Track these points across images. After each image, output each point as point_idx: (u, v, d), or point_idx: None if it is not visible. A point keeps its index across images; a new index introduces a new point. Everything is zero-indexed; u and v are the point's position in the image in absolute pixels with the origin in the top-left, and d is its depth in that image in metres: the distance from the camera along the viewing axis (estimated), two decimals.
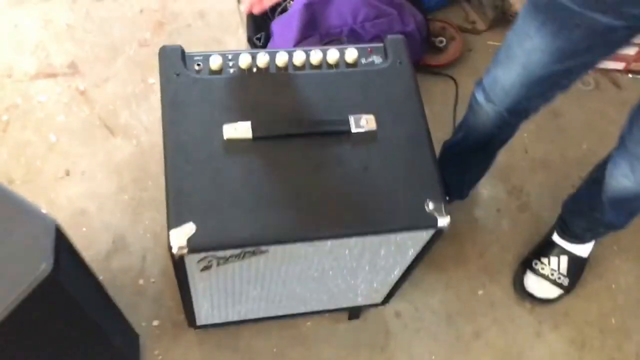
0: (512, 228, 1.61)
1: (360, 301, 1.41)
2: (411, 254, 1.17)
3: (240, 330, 1.41)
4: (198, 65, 1.12)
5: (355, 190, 1.04)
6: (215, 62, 1.11)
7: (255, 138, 1.05)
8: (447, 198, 1.55)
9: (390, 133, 1.08)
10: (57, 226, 0.91)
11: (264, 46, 1.65)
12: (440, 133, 1.70)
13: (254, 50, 1.14)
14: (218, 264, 1.06)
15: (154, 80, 1.67)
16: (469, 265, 1.55)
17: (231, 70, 1.12)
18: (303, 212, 1.01)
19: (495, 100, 1.22)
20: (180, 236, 0.97)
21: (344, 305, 1.43)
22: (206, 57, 1.12)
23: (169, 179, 1.01)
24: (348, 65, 1.15)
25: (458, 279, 1.53)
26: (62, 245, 0.91)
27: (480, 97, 1.26)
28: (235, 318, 1.38)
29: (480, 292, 1.52)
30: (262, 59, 1.12)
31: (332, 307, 1.41)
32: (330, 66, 1.15)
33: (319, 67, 1.14)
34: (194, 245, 0.97)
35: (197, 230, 0.97)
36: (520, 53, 1.11)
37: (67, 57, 1.67)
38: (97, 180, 1.53)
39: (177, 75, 1.09)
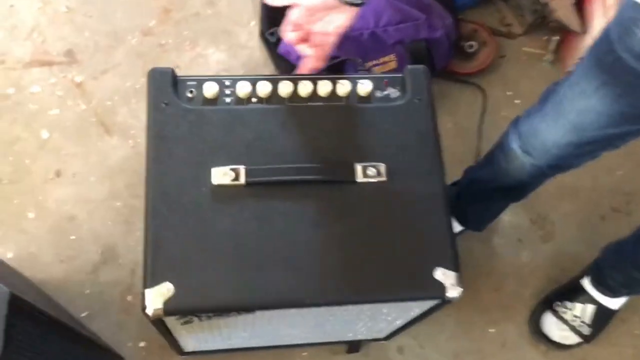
0: (533, 260, 1.49)
1: (360, 336, 1.31)
2: (415, 312, 1.06)
3: (231, 357, 1.33)
4: (191, 92, 0.99)
5: (356, 250, 0.93)
6: (210, 90, 0.98)
7: (248, 184, 0.93)
8: (463, 228, 1.43)
9: (402, 186, 0.96)
10: (11, 296, 0.80)
11: (277, 44, 1.51)
12: (463, 149, 1.57)
13: (255, 76, 1.01)
14: (200, 320, 0.97)
15: None
16: (482, 298, 1.44)
17: (228, 100, 0.99)
18: (296, 274, 0.90)
19: (533, 154, 1.08)
20: (156, 297, 0.87)
21: (343, 339, 1.34)
22: (200, 83, 1.00)
23: (148, 229, 0.91)
24: (360, 98, 1.02)
25: (469, 313, 1.42)
26: (18, 318, 0.81)
27: (514, 144, 1.12)
28: (226, 347, 1.29)
29: (491, 330, 1.42)
30: (263, 88, 0.99)
31: (330, 340, 1.32)
32: (339, 98, 1.02)
33: (327, 98, 1.01)
34: (170, 308, 0.87)
35: (175, 292, 0.87)
36: (571, 110, 0.97)
37: (65, 44, 1.55)
38: (88, 183, 1.43)
39: (166, 104, 0.97)
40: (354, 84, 1.02)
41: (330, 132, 0.98)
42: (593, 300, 1.37)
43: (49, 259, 1.37)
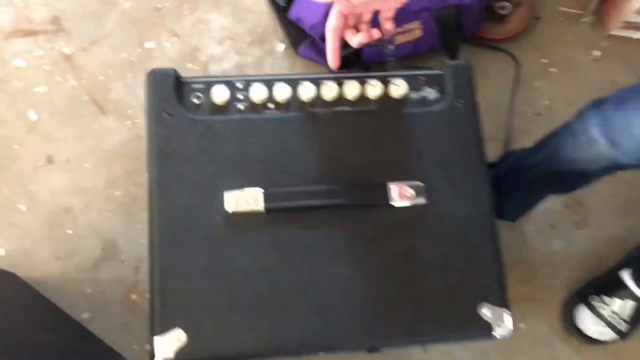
0: (566, 248, 1.38)
1: None
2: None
3: None
4: (197, 97, 0.85)
5: (390, 286, 0.82)
6: (219, 96, 0.85)
7: (267, 210, 0.81)
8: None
9: (443, 208, 0.84)
10: None
11: (287, 6, 1.35)
12: (493, 125, 1.43)
13: (270, 76, 0.87)
14: None
15: (154, 44, 1.38)
16: (510, 291, 1.33)
17: (240, 106, 0.86)
18: (323, 315, 0.80)
19: (621, 148, 0.92)
20: (166, 346, 0.77)
21: None
22: (208, 86, 0.86)
23: (154, 266, 0.79)
24: (393, 102, 0.88)
25: None
26: None
27: (595, 131, 0.94)
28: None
29: (521, 325, 1.32)
30: (281, 92, 0.85)
31: None
32: (369, 102, 0.88)
33: (356, 102, 0.88)
34: (182, 358, 0.77)
35: (187, 340, 0.77)
36: None
37: (50, 10, 1.38)
38: (83, 170, 1.30)
39: (169, 115, 0.83)
40: (386, 85, 0.88)
41: (360, 144, 0.85)
42: (634, 297, 1.27)
43: (45, 255, 1.26)
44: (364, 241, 0.82)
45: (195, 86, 0.86)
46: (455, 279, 0.81)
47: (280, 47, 1.40)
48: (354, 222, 0.82)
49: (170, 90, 0.84)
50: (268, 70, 1.38)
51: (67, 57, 1.36)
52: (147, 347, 1.22)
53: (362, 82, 0.87)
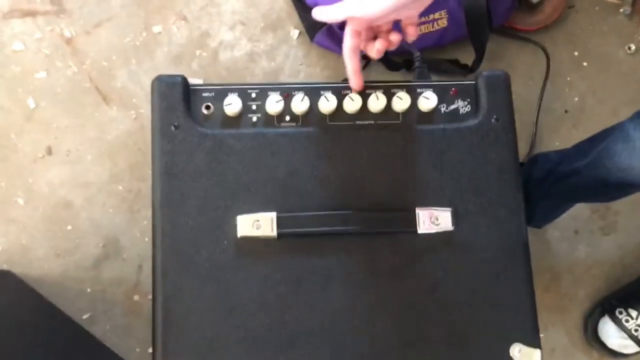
0: (591, 255, 1.31)
1: None
2: None
3: None
4: (207, 107, 0.78)
5: (414, 321, 0.75)
6: (231, 107, 0.77)
7: (280, 236, 0.74)
8: None
9: (473, 237, 0.77)
10: None
11: None
12: (519, 122, 1.33)
13: (288, 84, 0.79)
14: None
15: (160, 28, 1.29)
16: None
17: (254, 118, 0.78)
18: (340, 353, 0.73)
19: None
20: None
21: None
22: (220, 94, 0.78)
23: (157, 296, 0.73)
24: (421, 115, 0.80)
25: None
26: None
27: None
28: None
29: (541, 335, 1.26)
30: (299, 103, 0.77)
31: None
32: (395, 115, 0.80)
33: (380, 115, 0.80)
34: None
35: None
36: None
37: None
38: (85, 163, 1.23)
39: (176, 127, 0.76)
40: (415, 98, 0.80)
41: (384, 163, 0.78)
42: None
43: (43, 252, 1.20)
44: (384, 272, 0.75)
45: (205, 94, 0.78)
46: (485, 316, 0.75)
47: (295, 33, 1.31)
48: (374, 250, 0.75)
49: (178, 100, 0.76)
50: (281, 58, 1.30)
51: (68, 41, 1.28)
52: (150, 350, 1.17)
53: (389, 94, 0.79)
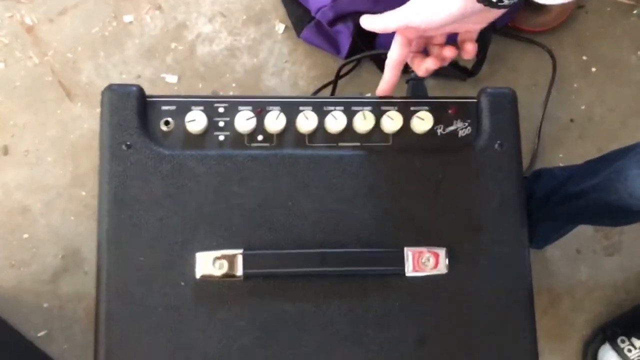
0: (592, 277, 1.22)
1: None
2: None
3: None
4: (166, 123, 0.67)
5: None
6: (195, 123, 0.66)
7: (247, 277, 0.64)
8: None
9: (469, 281, 0.67)
10: None
11: None
12: (522, 131, 1.24)
13: (261, 98, 0.68)
14: None
15: (132, 17, 1.18)
16: None
17: (221, 137, 0.68)
18: None
19: None
20: None
21: None
22: (182, 108, 0.67)
23: (99, 342, 0.63)
24: (413, 137, 0.70)
25: None
26: None
27: None
28: None
29: None
30: (274, 122, 0.67)
31: None
32: (385, 136, 0.70)
33: (367, 136, 0.69)
34: None
35: None
36: None
37: None
38: (45, 164, 1.12)
39: (128, 146, 0.65)
40: (408, 118, 0.69)
41: (369, 193, 0.68)
42: None
43: None
44: (367, 321, 0.65)
45: (165, 107, 0.67)
46: None
47: (280, 27, 1.20)
48: (355, 295, 0.65)
49: (132, 115, 0.65)
50: (265, 54, 1.19)
51: (29, 29, 1.16)
52: None
53: (378, 111, 0.69)
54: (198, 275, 0.63)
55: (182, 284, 0.63)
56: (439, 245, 0.66)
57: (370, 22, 0.72)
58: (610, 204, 0.91)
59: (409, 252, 0.65)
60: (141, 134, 0.65)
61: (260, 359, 0.63)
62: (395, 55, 0.69)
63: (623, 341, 1.16)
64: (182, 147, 0.66)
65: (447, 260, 0.66)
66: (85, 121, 1.14)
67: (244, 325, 0.63)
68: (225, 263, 0.63)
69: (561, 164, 1.21)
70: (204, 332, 0.63)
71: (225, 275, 0.63)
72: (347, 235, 0.66)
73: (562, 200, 1.02)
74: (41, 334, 1.09)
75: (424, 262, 0.65)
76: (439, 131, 0.70)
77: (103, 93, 0.66)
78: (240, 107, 0.68)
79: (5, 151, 1.12)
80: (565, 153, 1.24)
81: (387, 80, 0.70)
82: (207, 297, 0.63)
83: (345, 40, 1.14)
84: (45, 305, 1.10)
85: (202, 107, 0.67)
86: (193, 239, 0.64)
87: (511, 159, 0.69)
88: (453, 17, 0.65)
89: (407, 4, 0.66)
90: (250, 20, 1.20)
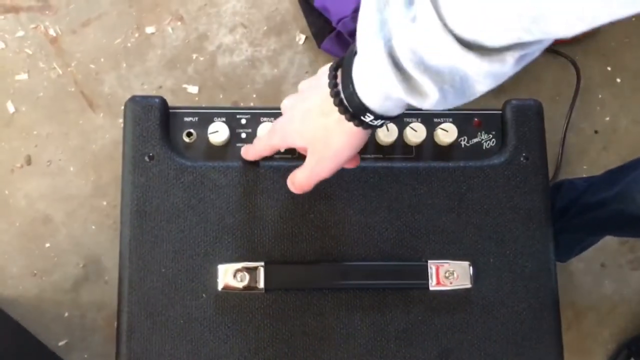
0: (617, 292, 1.20)
1: None
2: None
3: None
4: (189, 135, 0.67)
5: None
6: (218, 135, 0.66)
7: (268, 290, 0.63)
8: None
9: (494, 295, 0.66)
10: None
11: None
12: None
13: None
14: None
15: (154, 29, 1.18)
16: None
17: (243, 149, 0.67)
18: None
19: None
20: None
21: None
22: (204, 120, 0.67)
23: (120, 355, 0.62)
24: (437, 149, 0.69)
25: None
26: None
27: None
28: None
29: None
30: None
31: None
32: (408, 149, 0.69)
33: (389, 149, 0.69)
34: None
35: None
36: None
37: None
38: (67, 175, 1.13)
39: (151, 158, 0.65)
40: (432, 130, 0.69)
41: (392, 206, 0.67)
42: None
43: (18, 271, 1.10)
44: (390, 335, 0.64)
45: (187, 119, 0.67)
46: None
47: (301, 38, 1.20)
48: (378, 309, 0.64)
49: (155, 126, 0.65)
50: (285, 65, 1.19)
51: (53, 40, 1.17)
52: None
53: (401, 123, 0.68)
54: (220, 287, 0.63)
55: (204, 295, 0.63)
56: (463, 259, 0.65)
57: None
58: (629, 213, 0.89)
59: (432, 266, 0.64)
60: (163, 145, 0.65)
61: None
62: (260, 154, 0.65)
63: None
64: (204, 158, 0.66)
65: (471, 273, 0.65)
66: (107, 131, 1.15)
67: (266, 338, 0.63)
68: (246, 275, 0.63)
69: (585, 176, 1.19)
70: (225, 345, 0.62)
71: (247, 288, 0.63)
72: (369, 247, 0.65)
73: (581, 211, 1.00)
74: (62, 343, 1.09)
75: (447, 275, 0.64)
76: (463, 143, 0.69)
77: (126, 104, 0.66)
78: (262, 119, 0.67)
79: (29, 161, 1.13)
80: (590, 164, 1.23)
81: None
82: (229, 309, 0.63)
83: None
84: (66, 314, 1.11)
85: (224, 119, 0.67)
86: (215, 251, 0.63)
87: (537, 172, 0.67)
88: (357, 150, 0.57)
89: (310, 157, 0.58)
90: (270, 31, 1.20)
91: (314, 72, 1.17)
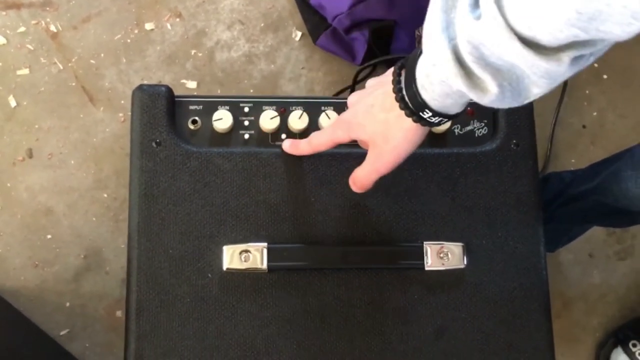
0: (605, 281, 1.23)
1: None
2: None
3: None
4: (194, 122, 0.69)
5: None
6: (222, 122, 0.69)
7: (271, 270, 0.66)
8: None
9: (486, 275, 0.69)
10: None
11: None
12: None
13: (286, 99, 0.71)
14: None
15: (153, 25, 1.21)
16: None
17: (246, 135, 0.70)
18: None
19: None
20: None
21: None
22: (209, 108, 0.70)
23: (130, 334, 0.65)
24: (432, 136, 0.72)
25: None
26: None
27: None
28: None
29: None
30: (297, 121, 0.69)
31: None
32: None
33: None
34: None
35: None
36: None
37: None
38: (68, 167, 1.15)
39: (158, 144, 0.68)
40: None
41: (389, 190, 0.69)
42: None
43: (20, 262, 1.12)
44: (387, 313, 0.67)
45: (192, 107, 0.70)
46: None
47: (297, 34, 1.23)
48: (376, 288, 0.67)
49: (161, 114, 0.68)
50: (282, 61, 1.22)
51: (54, 36, 1.19)
52: None
53: None
54: (224, 267, 0.65)
55: (209, 275, 0.65)
56: (457, 240, 0.68)
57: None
58: (608, 205, 0.93)
59: (427, 247, 0.67)
60: (170, 131, 0.68)
61: (284, 348, 0.65)
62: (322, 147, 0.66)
63: (634, 345, 1.17)
64: (209, 144, 0.69)
65: (465, 254, 0.68)
66: (108, 125, 1.17)
67: (268, 316, 0.66)
68: (250, 256, 0.65)
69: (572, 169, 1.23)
70: (230, 322, 0.65)
71: (251, 268, 0.65)
72: (367, 229, 0.68)
73: (567, 202, 1.04)
74: (63, 332, 1.11)
75: (442, 256, 0.67)
76: (457, 131, 0.72)
77: (134, 93, 0.69)
78: (264, 107, 0.70)
79: (30, 154, 1.15)
80: (578, 158, 1.26)
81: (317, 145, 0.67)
82: (233, 289, 0.65)
83: (360, 46, 1.17)
84: (67, 304, 1.13)
85: (228, 107, 0.70)
86: (219, 233, 0.66)
87: (527, 158, 0.71)
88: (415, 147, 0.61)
89: (370, 152, 0.62)
90: (267, 28, 1.23)
91: (310, 68, 1.21)
